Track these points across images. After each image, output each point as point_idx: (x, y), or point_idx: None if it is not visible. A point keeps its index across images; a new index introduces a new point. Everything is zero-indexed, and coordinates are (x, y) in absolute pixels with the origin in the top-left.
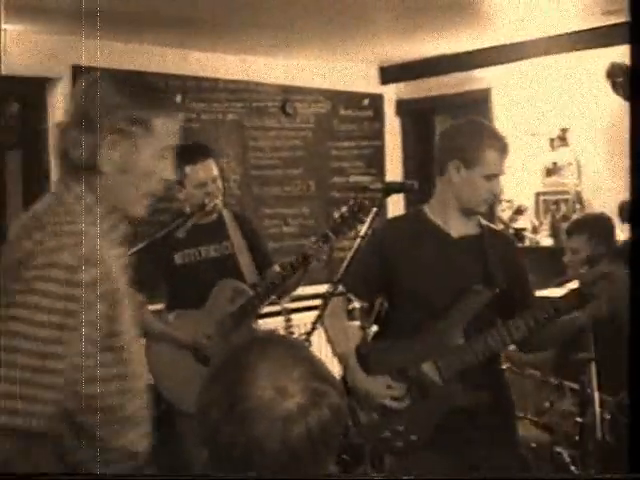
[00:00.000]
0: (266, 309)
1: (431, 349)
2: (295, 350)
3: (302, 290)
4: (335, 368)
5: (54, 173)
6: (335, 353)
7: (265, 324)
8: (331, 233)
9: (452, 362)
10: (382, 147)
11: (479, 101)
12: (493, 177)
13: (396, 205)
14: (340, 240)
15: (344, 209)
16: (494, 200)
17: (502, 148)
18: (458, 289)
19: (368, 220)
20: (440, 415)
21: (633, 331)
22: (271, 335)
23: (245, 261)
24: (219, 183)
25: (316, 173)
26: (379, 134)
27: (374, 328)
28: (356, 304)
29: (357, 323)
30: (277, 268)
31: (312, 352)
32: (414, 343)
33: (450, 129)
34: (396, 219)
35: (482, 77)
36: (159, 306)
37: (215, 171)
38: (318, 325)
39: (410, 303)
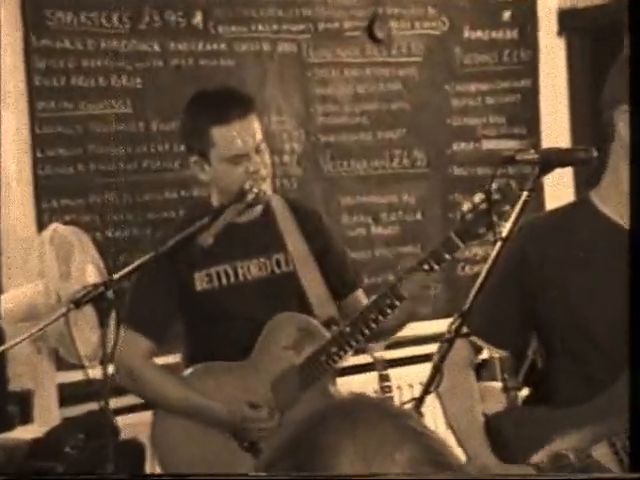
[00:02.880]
0: (348, 361)
1: (607, 420)
2: (398, 422)
3: (407, 330)
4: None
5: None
6: (451, 427)
7: (348, 384)
8: (456, 237)
9: None
10: (535, 91)
11: None
12: None
13: (559, 188)
14: (470, 247)
15: (477, 197)
16: None
17: None
18: None
19: (515, 213)
20: None
21: (633, 329)
22: (361, 399)
23: (313, 283)
24: (266, 155)
25: (427, 137)
26: (530, 69)
27: (524, 390)
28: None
29: (498, 383)
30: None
31: (424, 425)
32: (581, 411)
33: (625, 61)
34: (554, 213)
35: None
36: (173, 358)
37: (260, 135)
38: (433, 385)
39: (578, 346)
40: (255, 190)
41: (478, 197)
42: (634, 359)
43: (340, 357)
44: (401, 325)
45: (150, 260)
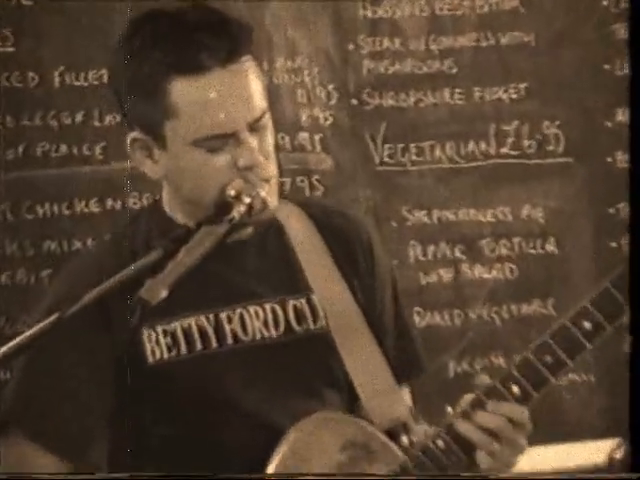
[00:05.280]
0: None
1: None
2: None
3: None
4: None
5: None
6: None
7: None
8: None
9: None
10: None
11: None
12: None
13: None
14: None
15: None
16: None
17: None
18: None
19: None
20: None
21: (633, 327)
22: None
23: (362, 354)
24: (269, 136)
25: (568, 96)
26: None
27: None
28: None
29: None
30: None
31: None
32: None
33: None
34: None
35: None
36: None
37: (261, 98)
38: None
39: None
40: (247, 199)
41: None
42: (634, 358)
43: None
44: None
45: (52, 327)
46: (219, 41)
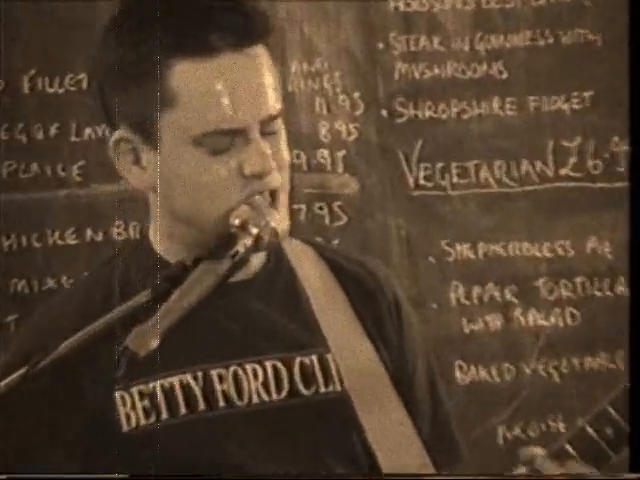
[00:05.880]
0: None
1: None
2: None
3: None
4: None
5: None
6: None
7: None
8: None
9: None
10: None
11: None
12: None
13: None
14: None
15: None
16: None
17: None
18: None
19: None
20: None
21: (633, 325)
22: None
23: (386, 424)
24: (282, 142)
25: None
26: None
27: None
28: None
29: None
30: None
31: None
32: None
33: None
34: None
35: None
36: None
37: (274, 96)
38: None
39: None
40: (254, 230)
41: None
42: (634, 357)
43: None
44: None
45: (15, 385)
46: (232, 20)
